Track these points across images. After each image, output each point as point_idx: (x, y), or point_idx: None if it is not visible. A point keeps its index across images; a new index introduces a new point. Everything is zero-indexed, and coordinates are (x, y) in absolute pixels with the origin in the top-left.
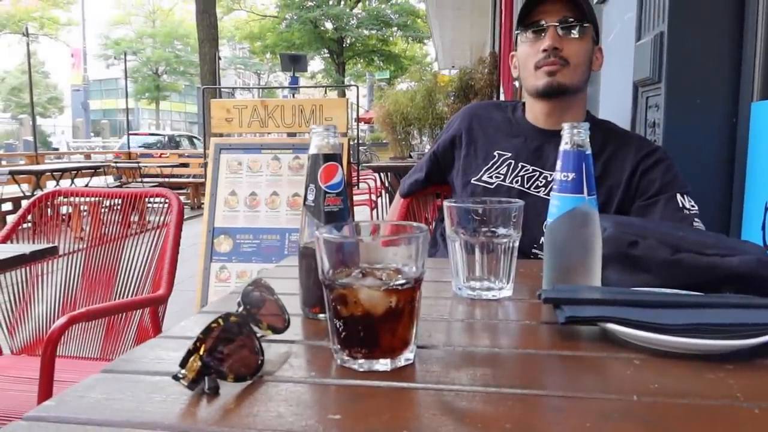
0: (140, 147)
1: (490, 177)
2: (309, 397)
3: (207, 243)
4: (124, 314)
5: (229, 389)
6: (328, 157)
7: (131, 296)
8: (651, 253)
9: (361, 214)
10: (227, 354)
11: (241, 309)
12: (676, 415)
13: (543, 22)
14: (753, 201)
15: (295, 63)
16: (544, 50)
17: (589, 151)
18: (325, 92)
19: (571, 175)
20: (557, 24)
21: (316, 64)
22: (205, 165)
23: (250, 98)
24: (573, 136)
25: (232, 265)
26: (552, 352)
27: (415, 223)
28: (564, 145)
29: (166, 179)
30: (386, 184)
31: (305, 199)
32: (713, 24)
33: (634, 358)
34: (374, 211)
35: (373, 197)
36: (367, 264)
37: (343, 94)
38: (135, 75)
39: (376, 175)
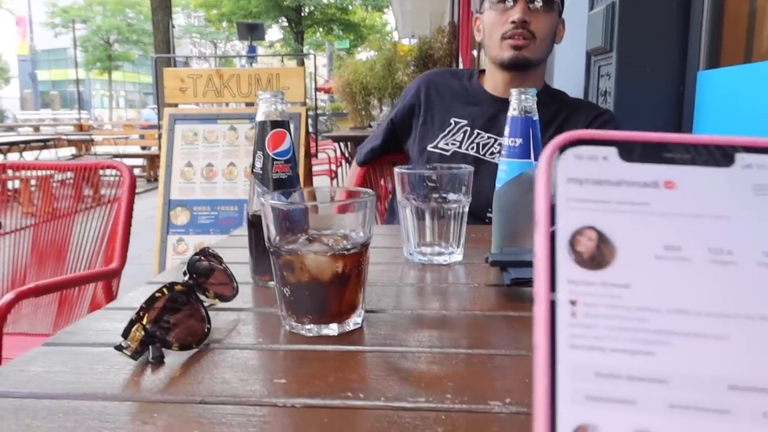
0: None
1: (446, 144)
2: (256, 363)
3: (163, 215)
4: (77, 289)
5: (174, 358)
6: (275, 124)
7: (84, 271)
8: None
9: (320, 184)
10: (172, 323)
11: (186, 278)
12: None
13: None
14: None
15: (252, 32)
16: (513, 22)
17: (536, 117)
18: (282, 61)
19: (519, 141)
20: None
21: (274, 33)
22: (160, 136)
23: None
24: (521, 102)
25: (190, 237)
26: (497, 313)
27: (362, 189)
28: (512, 111)
29: (120, 151)
30: (346, 154)
31: (253, 166)
32: None
33: None
34: (334, 181)
35: (333, 167)
36: (315, 231)
37: (301, 63)
38: (85, 44)
39: (336, 145)
